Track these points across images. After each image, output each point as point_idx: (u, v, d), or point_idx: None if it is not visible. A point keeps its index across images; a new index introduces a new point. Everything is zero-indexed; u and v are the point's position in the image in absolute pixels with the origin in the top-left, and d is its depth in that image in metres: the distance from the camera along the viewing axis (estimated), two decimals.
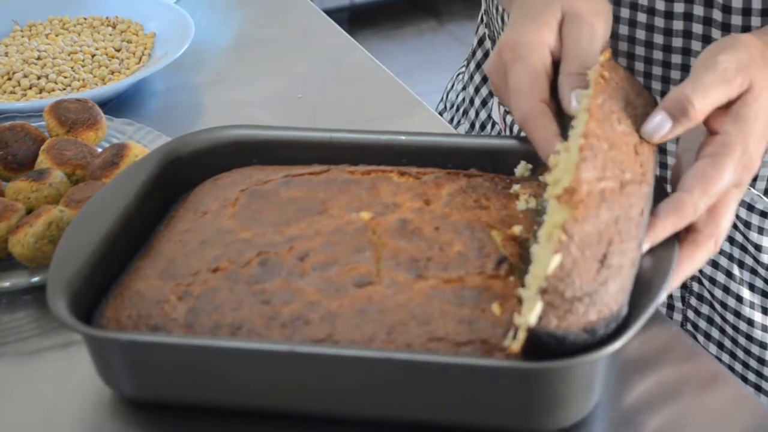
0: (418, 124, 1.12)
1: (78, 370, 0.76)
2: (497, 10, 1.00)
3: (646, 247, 0.69)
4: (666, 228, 0.69)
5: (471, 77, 1.17)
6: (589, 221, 0.66)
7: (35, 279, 0.86)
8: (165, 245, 0.78)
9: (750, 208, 0.91)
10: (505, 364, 0.65)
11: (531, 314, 0.63)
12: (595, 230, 0.66)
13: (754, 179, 0.91)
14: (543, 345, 0.64)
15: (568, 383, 0.65)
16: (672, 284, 0.68)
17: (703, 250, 0.70)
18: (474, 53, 1.17)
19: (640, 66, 0.92)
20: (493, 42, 1.12)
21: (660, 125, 0.71)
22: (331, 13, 1.50)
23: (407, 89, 1.21)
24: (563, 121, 0.77)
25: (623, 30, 0.91)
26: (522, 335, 0.64)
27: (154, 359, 0.69)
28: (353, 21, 3.55)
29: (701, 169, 0.69)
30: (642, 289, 0.68)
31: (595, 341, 0.64)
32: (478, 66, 1.16)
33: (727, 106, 0.71)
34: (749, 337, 0.94)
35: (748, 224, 0.92)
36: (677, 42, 0.90)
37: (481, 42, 1.17)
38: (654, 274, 0.68)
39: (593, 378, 0.67)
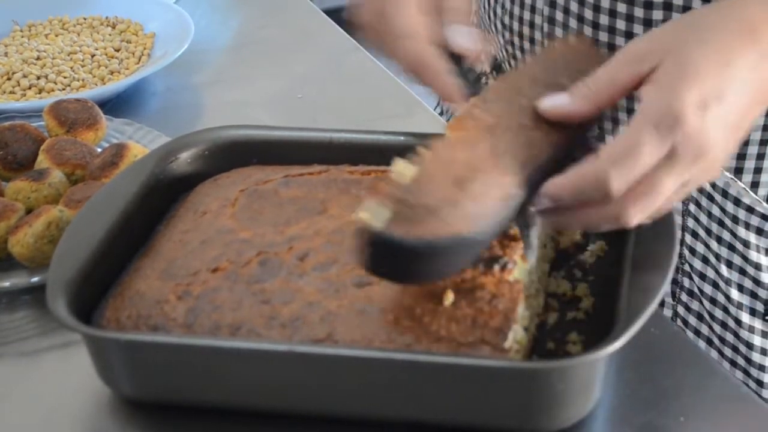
0: (418, 124, 1.12)
1: (78, 370, 0.76)
2: (494, 13, 1.00)
3: (544, 201, 0.67)
4: (564, 189, 0.65)
5: None
6: (460, 148, 0.67)
7: (35, 279, 0.86)
8: (165, 245, 0.78)
9: (737, 202, 0.91)
10: (505, 364, 0.65)
11: (361, 214, 0.64)
12: (463, 156, 0.67)
13: (740, 172, 0.91)
14: (381, 250, 0.64)
15: (567, 383, 0.65)
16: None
17: (597, 210, 0.66)
18: None
19: (604, 36, 0.91)
20: None
21: (558, 99, 0.69)
22: (331, 13, 1.50)
23: (407, 89, 1.21)
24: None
25: (603, 21, 0.91)
26: (363, 236, 0.64)
27: (153, 359, 0.69)
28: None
29: (618, 139, 0.65)
30: (640, 289, 0.68)
31: (429, 254, 0.64)
32: None
33: (658, 72, 0.66)
34: (737, 336, 0.94)
35: (735, 219, 0.91)
36: (657, 15, 0.88)
37: None
38: (653, 275, 0.68)
39: (593, 378, 0.67)
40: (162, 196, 0.84)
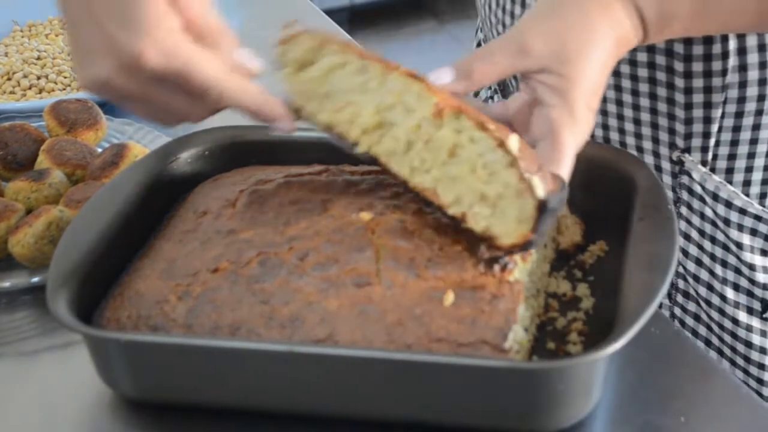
0: None
1: (78, 370, 0.76)
2: (495, 17, 1.00)
3: None
4: None
5: None
6: (483, 115, 0.71)
7: (35, 279, 0.86)
8: (165, 245, 0.78)
9: (728, 205, 0.91)
10: (506, 364, 0.65)
11: (537, 188, 0.68)
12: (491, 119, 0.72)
13: (731, 172, 0.92)
14: (547, 213, 0.68)
15: (567, 383, 0.65)
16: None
17: None
18: None
19: (612, 107, 0.93)
20: None
21: (442, 75, 0.75)
22: (331, 13, 1.50)
23: None
24: None
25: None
26: (532, 212, 0.68)
27: (153, 359, 0.69)
28: (353, 21, 3.55)
29: (549, 153, 0.73)
30: (640, 289, 0.68)
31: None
32: None
33: (551, 77, 0.74)
34: (734, 336, 0.94)
35: (727, 222, 0.92)
36: (644, 87, 0.91)
37: (479, 46, 1.17)
38: (653, 275, 0.68)
39: (593, 378, 0.67)
40: (162, 196, 0.84)
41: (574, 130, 0.73)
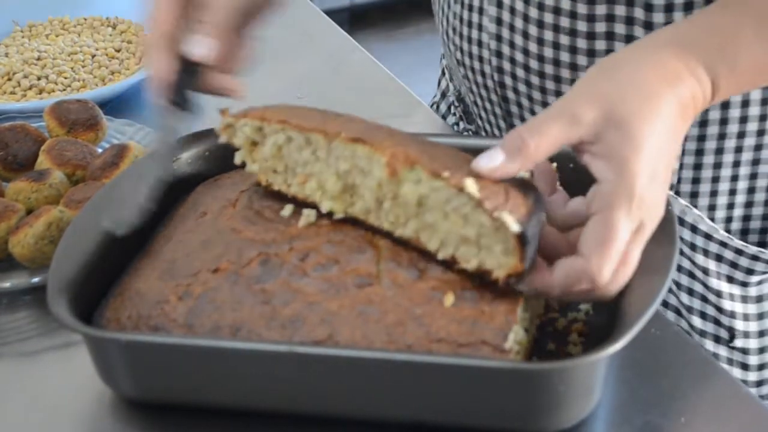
0: (418, 124, 1.12)
1: (78, 371, 0.76)
2: (453, 45, 1.00)
3: (532, 290, 0.69)
4: (553, 286, 0.67)
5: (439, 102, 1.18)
6: (437, 160, 0.71)
7: (35, 279, 0.86)
8: (165, 246, 0.78)
9: (693, 229, 0.90)
10: (506, 365, 0.65)
11: (510, 224, 0.66)
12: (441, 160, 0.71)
13: (696, 196, 0.91)
14: (528, 241, 0.67)
15: (568, 384, 0.65)
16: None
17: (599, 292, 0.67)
18: (439, 82, 1.18)
19: (566, 72, 0.91)
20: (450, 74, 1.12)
21: (493, 158, 0.67)
22: (331, 13, 1.50)
23: (407, 89, 1.21)
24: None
25: (548, 35, 0.90)
26: (514, 245, 0.66)
27: (154, 359, 0.69)
28: (353, 21, 3.55)
29: (594, 231, 0.66)
30: (640, 290, 0.68)
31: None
32: (443, 95, 1.17)
33: (605, 145, 0.66)
34: None
35: (693, 246, 0.91)
36: (600, 45, 0.88)
37: (443, 74, 1.17)
38: (652, 276, 0.68)
39: (593, 379, 0.67)
40: (162, 197, 0.84)
41: (630, 208, 0.65)
